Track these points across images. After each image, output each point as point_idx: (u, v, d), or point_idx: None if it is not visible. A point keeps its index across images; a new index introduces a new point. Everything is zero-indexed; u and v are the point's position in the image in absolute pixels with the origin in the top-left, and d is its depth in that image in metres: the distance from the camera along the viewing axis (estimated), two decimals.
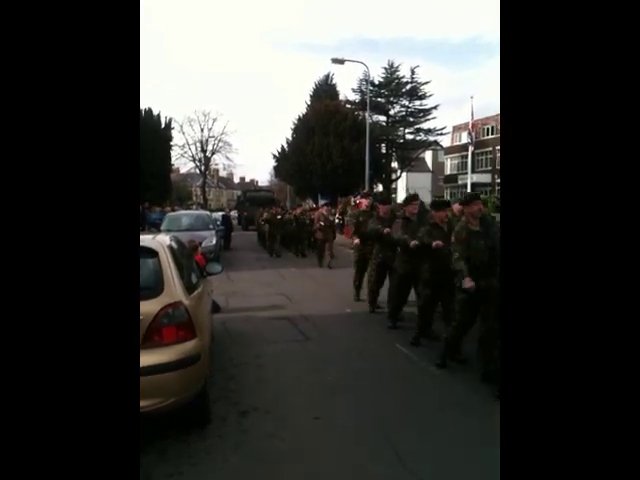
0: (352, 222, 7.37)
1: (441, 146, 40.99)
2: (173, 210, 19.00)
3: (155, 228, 12.78)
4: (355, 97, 34.96)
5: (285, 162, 29.90)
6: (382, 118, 35.39)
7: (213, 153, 48.10)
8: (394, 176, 37.39)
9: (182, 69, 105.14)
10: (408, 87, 34.59)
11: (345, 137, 26.66)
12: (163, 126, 29.32)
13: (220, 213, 23.35)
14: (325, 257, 11.85)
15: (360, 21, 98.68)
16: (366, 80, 29.56)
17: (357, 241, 7.32)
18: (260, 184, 60.87)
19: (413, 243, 5.09)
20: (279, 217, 15.55)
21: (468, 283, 3.95)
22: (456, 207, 5.74)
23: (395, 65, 34.50)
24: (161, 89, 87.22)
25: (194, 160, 47.60)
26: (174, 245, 3.79)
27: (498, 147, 32.79)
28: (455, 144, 43.52)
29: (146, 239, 3.53)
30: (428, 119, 35.14)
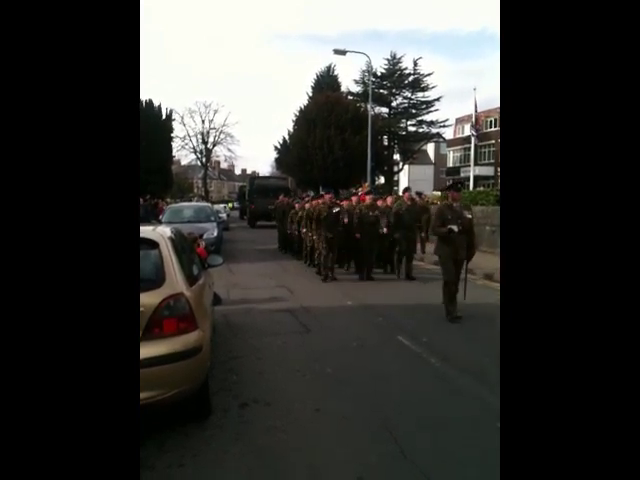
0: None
1: (443, 138, 40.84)
2: (171, 203, 18.58)
3: None
4: (357, 89, 34.88)
5: (286, 154, 29.72)
6: (384, 110, 35.29)
7: (214, 145, 48.13)
8: (396, 168, 37.32)
9: (182, 64, 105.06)
10: (411, 79, 34.45)
11: (346, 129, 26.52)
12: (164, 117, 29.23)
13: (222, 205, 22.99)
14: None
15: (368, 13, 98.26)
16: (368, 71, 29.42)
17: None
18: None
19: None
20: (336, 211, 9.03)
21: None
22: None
23: (398, 56, 34.38)
24: (161, 88, 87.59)
25: (195, 152, 47.64)
26: (175, 237, 3.78)
27: None
28: (458, 136, 43.35)
29: (147, 230, 3.53)
30: (431, 111, 35.10)
